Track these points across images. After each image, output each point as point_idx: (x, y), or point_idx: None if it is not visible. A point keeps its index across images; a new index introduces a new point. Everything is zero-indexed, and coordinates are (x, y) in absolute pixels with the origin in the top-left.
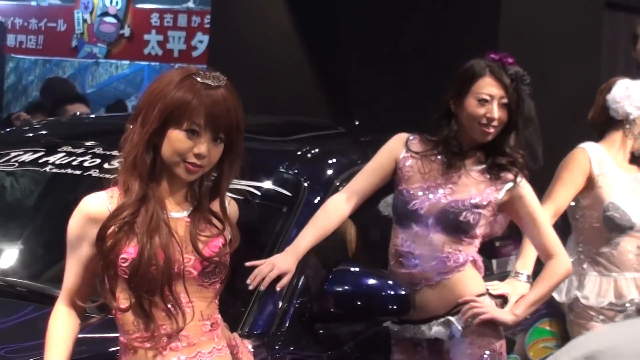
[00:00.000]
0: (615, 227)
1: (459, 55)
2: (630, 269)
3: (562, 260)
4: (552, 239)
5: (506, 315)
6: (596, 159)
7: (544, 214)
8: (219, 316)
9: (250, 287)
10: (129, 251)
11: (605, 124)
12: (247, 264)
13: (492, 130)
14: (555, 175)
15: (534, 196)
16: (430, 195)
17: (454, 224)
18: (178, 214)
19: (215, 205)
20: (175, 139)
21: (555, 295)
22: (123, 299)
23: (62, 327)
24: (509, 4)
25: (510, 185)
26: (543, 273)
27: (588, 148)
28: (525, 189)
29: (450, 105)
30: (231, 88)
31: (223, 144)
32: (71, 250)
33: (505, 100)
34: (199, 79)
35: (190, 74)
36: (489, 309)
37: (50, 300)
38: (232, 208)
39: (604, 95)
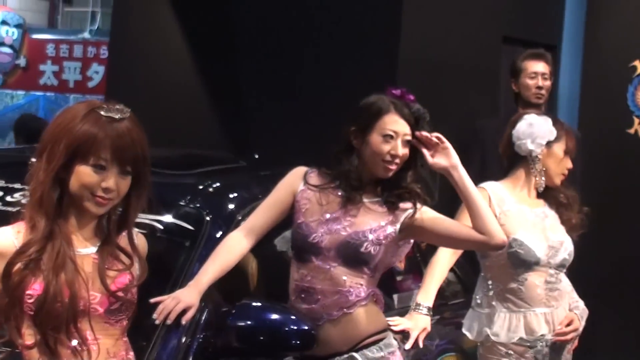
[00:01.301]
0: (521, 263)
1: (358, 88)
2: (540, 304)
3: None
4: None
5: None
6: (496, 198)
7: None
8: (131, 353)
9: (157, 322)
10: (35, 288)
11: (511, 158)
12: (152, 300)
13: (394, 167)
14: (457, 213)
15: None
16: (330, 228)
17: (355, 256)
18: (85, 249)
19: (123, 240)
20: (83, 173)
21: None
22: (28, 336)
23: None
24: (408, 37)
25: (409, 212)
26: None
27: (487, 187)
28: (429, 212)
29: (352, 140)
30: (135, 120)
31: (130, 177)
32: None
33: (408, 137)
34: (103, 113)
35: (94, 108)
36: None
37: None
38: (140, 242)
39: (509, 130)
